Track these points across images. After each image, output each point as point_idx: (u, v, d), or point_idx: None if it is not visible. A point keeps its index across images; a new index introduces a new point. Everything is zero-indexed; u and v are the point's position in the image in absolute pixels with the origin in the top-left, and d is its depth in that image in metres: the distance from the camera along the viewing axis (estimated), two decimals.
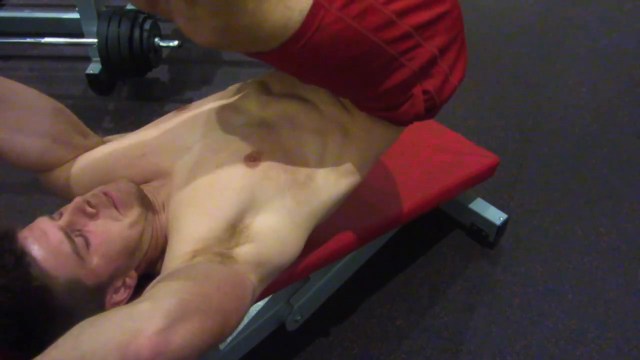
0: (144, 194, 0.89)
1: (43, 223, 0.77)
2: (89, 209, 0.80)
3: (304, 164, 0.93)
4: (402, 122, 0.98)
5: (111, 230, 0.81)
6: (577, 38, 2.37)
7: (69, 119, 0.96)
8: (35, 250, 0.74)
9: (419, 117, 0.95)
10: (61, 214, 0.80)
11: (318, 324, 1.32)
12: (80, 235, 0.78)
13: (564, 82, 2.12)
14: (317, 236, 0.97)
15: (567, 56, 2.26)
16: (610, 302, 1.39)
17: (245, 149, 0.91)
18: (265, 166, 0.90)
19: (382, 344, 1.31)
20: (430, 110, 0.94)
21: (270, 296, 1.16)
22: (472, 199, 1.51)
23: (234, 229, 0.85)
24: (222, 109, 1.00)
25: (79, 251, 0.76)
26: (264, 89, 1.03)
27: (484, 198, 1.52)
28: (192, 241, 0.83)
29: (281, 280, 0.93)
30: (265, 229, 0.86)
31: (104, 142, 1.00)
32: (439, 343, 1.31)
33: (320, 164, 0.95)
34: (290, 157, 0.93)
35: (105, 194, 0.83)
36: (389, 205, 1.19)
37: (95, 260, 0.78)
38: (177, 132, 0.97)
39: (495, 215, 1.47)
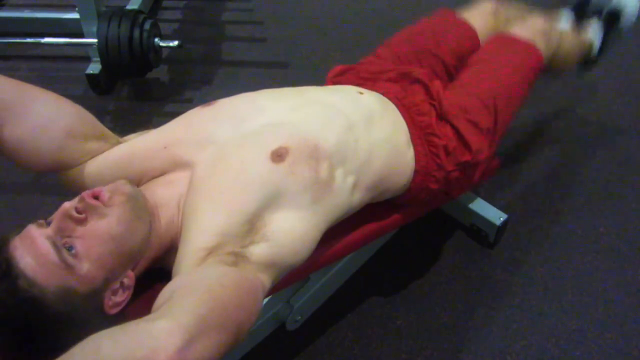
0: (138, 193, 0.87)
1: (32, 231, 0.76)
2: (77, 215, 0.78)
3: (328, 161, 0.93)
4: (444, 174, 1.14)
5: (99, 231, 0.79)
6: None
7: (88, 121, 0.96)
8: (24, 261, 0.73)
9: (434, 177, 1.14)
10: (51, 221, 0.78)
11: (318, 324, 1.32)
12: (69, 242, 0.77)
13: (564, 82, 2.12)
14: None
15: None
16: (610, 302, 1.39)
17: (272, 144, 0.91)
18: (291, 162, 0.89)
19: (382, 344, 1.31)
20: (445, 194, 1.21)
21: (270, 296, 1.16)
22: (472, 199, 1.51)
23: (252, 225, 0.85)
24: (249, 107, 1.00)
25: (66, 259, 0.75)
26: (297, 93, 1.06)
27: (484, 198, 1.52)
28: (209, 235, 0.82)
29: (281, 281, 0.93)
30: (282, 229, 0.86)
31: (121, 142, 1.00)
32: (439, 343, 1.31)
33: (342, 164, 0.96)
34: (315, 154, 0.92)
35: (93, 194, 0.81)
36: (390, 205, 1.19)
37: (85, 266, 0.77)
38: (201, 125, 0.97)
39: (495, 215, 1.47)
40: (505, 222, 1.46)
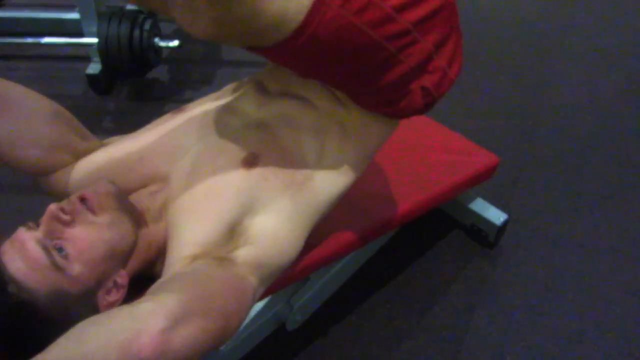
0: (122, 194, 0.87)
1: (21, 234, 0.75)
2: (64, 216, 0.77)
3: (302, 163, 0.93)
4: (399, 116, 1.00)
5: (90, 235, 0.78)
6: (577, 38, 2.37)
7: (69, 121, 0.96)
8: (14, 265, 0.72)
9: (417, 112, 0.95)
10: (41, 223, 0.77)
11: (318, 324, 1.32)
12: (59, 244, 0.76)
13: (564, 82, 2.12)
14: (317, 236, 0.97)
15: (567, 56, 2.26)
16: (610, 302, 1.39)
17: (242, 151, 0.90)
18: (263, 168, 0.89)
19: (382, 344, 1.31)
20: (428, 105, 0.95)
21: (270, 296, 1.16)
22: (472, 199, 1.51)
23: (233, 232, 0.85)
24: (218, 111, 0.99)
25: (57, 262, 0.74)
26: (260, 88, 1.03)
27: (484, 198, 1.52)
28: (191, 246, 0.82)
29: (281, 280, 0.93)
30: (264, 231, 0.86)
31: (103, 145, 1.00)
32: (439, 343, 1.31)
33: (319, 163, 0.95)
34: (289, 158, 0.92)
35: (80, 197, 0.81)
36: (390, 205, 1.19)
37: (77, 268, 0.76)
38: (173, 135, 0.97)
39: (495, 215, 1.47)
40: (505, 222, 1.46)
